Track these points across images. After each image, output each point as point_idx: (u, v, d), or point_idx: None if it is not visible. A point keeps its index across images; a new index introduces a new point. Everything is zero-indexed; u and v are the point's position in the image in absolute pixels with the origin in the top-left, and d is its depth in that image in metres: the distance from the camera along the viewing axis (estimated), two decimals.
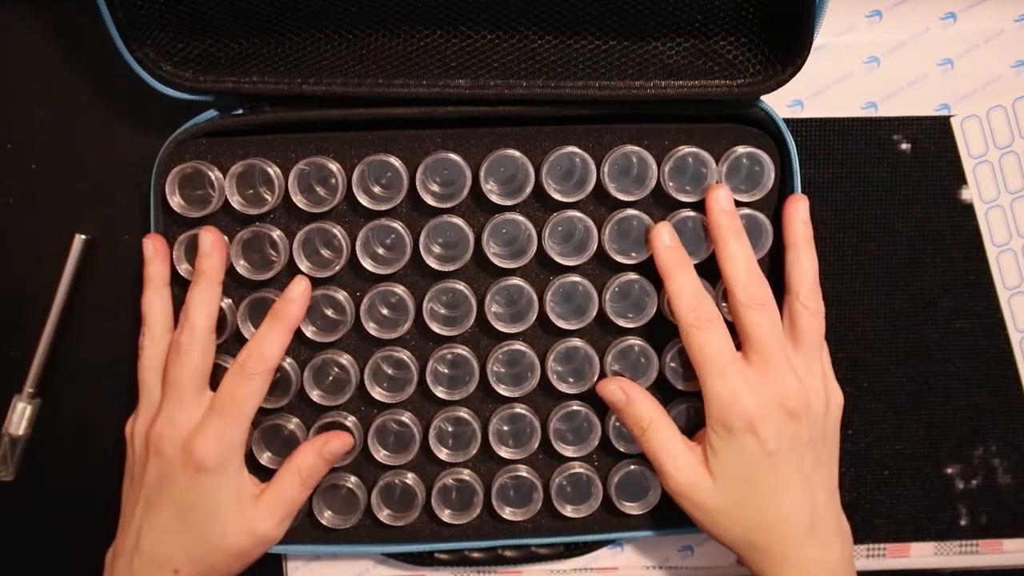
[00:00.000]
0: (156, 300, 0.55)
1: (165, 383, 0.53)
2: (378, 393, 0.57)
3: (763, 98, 0.55)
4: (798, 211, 0.55)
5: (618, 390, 0.55)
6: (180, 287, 0.55)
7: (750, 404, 0.51)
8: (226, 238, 0.55)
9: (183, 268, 0.55)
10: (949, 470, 0.63)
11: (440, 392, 0.57)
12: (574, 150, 0.55)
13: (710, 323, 0.53)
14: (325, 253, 0.56)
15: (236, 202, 0.55)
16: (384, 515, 0.58)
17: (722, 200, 0.54)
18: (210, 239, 0.54)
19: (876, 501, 0.63)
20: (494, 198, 0.55)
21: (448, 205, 0.55)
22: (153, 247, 0.55)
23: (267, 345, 0.53)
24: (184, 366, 0.52)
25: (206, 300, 0.53)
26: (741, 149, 0.55)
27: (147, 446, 0.53)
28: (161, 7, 0.51)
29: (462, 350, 0.56)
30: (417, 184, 0.55)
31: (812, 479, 0.53)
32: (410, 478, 0.58)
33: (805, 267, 0.54)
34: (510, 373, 0.57)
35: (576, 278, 0.56)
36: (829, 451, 0.55)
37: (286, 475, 0.54)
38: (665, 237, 0.54)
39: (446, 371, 0.57)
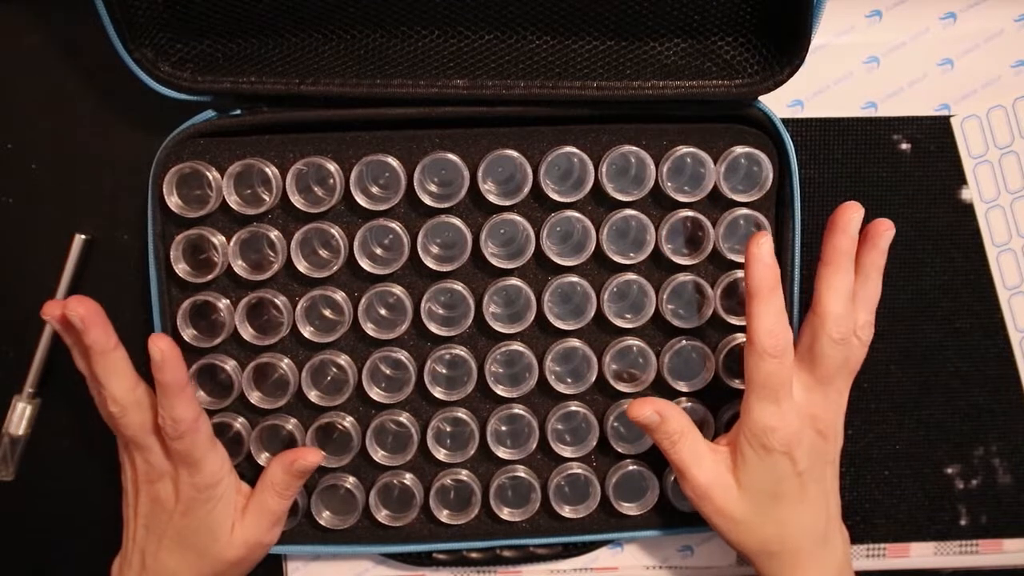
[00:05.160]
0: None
1: (126, 442, 0.54)
2: (376, 393, 0.57)
3: (762, 98, 0.55)
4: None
5: (653, 414, 0.53)
6: (179, 288, 0.55)
7: (793, 429, 0.52)
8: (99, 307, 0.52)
9: (180, 268, 0.55)
10: (949, 470, 0.63)
11: (438, 392, 0.57)
12: (572, 150, 0.54)
13: (783, 353, 0.51)
14: (323, 253, 0.56)
15: (234, 202, 0.55)
16: (382, 515, 0.58)
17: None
18: (80, 313, 0.50)
19: (876, 501, 0.63)
20: (492, 198, 0.55)
21: (446, 205, 0.55)
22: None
23: (172, 411, 0.51)
24: (129, 427, 0.52)
25: (111, 370, 0.52)
26: (739, 149, 0.55)
27: (137, 487, 0.54)
28: (159, 8, 0.51)
29: (460, 350, 0.56)
30: (415, 184, 0.55)
31: (829, 492, 0.54)
32: (408, 478, 0.58)
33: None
34: (508, 373, 0.57)
35: (574, 278, 0.56)
36: (839, 460, 0.55)
37: (262, 489, 0.55)
38: (766, 255, 0.51)
39: (444, 371, 0.57)
